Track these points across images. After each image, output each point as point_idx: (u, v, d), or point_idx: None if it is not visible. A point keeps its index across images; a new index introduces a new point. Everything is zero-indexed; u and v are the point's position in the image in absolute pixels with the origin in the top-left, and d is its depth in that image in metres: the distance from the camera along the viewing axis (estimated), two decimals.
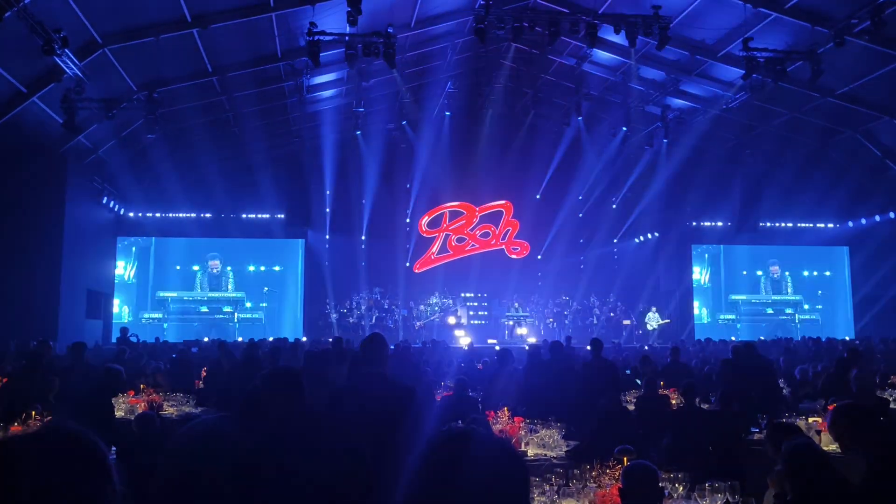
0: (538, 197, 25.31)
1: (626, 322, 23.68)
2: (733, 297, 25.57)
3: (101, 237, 20.96)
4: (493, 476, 1.14)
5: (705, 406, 7.94)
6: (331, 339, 14.57)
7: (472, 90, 22.57)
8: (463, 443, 1.19)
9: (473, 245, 25.54)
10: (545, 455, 5.87)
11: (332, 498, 2.55)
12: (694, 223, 24.72)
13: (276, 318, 23.84)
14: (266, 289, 23.76)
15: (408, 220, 25.24)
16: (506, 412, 6.71)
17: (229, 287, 23.89)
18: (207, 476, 2.79)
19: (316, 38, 13.84)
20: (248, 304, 23.81)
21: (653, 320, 23.12)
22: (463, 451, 1.17)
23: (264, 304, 23.92)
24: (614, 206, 25.57)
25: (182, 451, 2.95)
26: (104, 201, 20.05)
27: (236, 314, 23.65)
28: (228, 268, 24.04)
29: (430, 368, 10.55)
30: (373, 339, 4.56)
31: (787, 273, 25.50)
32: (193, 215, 22.78)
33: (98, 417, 6.46)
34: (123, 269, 23.42)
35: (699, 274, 25.56)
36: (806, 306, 25.23)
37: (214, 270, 23.86)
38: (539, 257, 25.69)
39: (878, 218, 22.61)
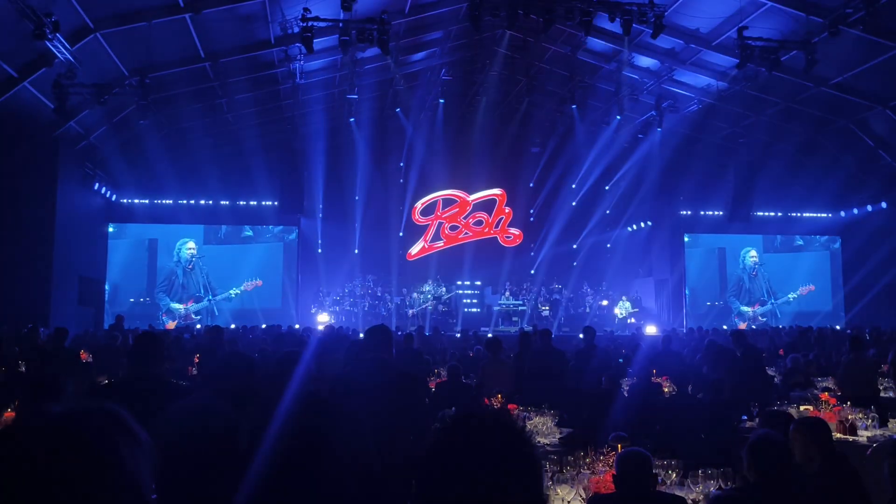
0: (532, 185, 25.31)
1: (619, 311, 23.75)
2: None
3: (93, 223, 20.82)
4: (503, 457, 1.15)
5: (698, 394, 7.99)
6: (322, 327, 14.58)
7: (466, 78, 22.50)
8: (472, 425, 1.20)
9: (467, 233, 25.51)
10: (539, 442, 5.90)
11: (338, 482, 2.58)
12: (687, 212, 24.75)
13: (269, 306, 23.62)
14: (258, 281, 23.35)
15: (401, 208, 25.18)
16: (499, 399, 6.74)
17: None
18: (196, 447, 2.83)
19: (309, 23, 13.77)
20: (234, 292, 23.37)
21: (622, 308, 23.25)
22: (473, 433, 1.17)
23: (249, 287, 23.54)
24: (607, 195, 25.58)
25: (175, 423, 3.00)
26: (96, 187, 19.87)
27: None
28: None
29: (429, 357, 10.57)
30: (380, 328, 4.63)
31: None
32: (185, 202, 22.63)
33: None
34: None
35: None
36: (792, 295, 25.10)
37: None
38: (532, 246, 25.71)
39: (869, 208, 22.70)
